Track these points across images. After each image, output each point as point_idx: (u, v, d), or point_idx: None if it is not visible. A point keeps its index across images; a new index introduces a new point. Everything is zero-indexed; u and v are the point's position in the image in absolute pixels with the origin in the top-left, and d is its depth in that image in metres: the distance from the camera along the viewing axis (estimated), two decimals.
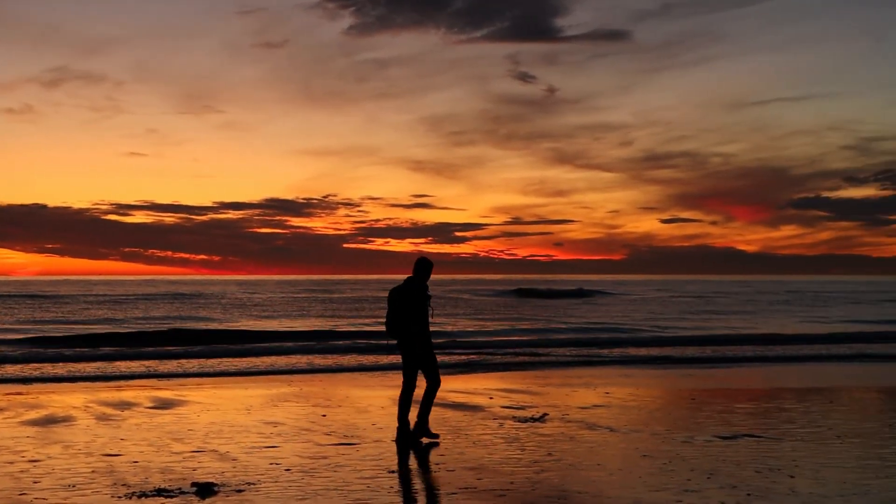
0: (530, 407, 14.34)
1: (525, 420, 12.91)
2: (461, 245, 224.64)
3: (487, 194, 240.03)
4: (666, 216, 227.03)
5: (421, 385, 11.15)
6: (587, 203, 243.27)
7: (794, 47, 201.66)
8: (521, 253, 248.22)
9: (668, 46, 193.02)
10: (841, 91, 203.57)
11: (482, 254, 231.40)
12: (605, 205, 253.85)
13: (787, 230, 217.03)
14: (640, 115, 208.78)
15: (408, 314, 11.03)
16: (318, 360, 24.72)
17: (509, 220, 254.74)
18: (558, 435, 11.65)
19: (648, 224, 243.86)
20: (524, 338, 34.01)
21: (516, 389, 16.83)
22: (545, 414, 13.46)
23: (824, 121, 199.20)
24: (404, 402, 11.20)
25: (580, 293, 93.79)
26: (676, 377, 19.99)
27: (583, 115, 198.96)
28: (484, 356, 26.19)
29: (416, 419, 11.23)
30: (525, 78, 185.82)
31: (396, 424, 11.26)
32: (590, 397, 15.66)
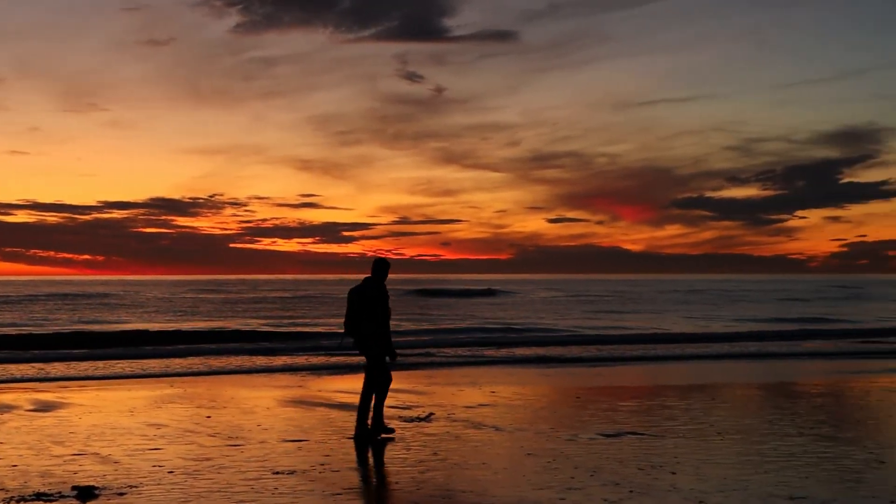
0: (416, 407, 14.26)
1: (411, 420, 12.83)
2: (349, 245, 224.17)
3: (375, 194, 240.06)
4: (552, 216, 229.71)
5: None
6: (475, 203, 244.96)
7: (679, 49, 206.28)
8: (409, 253, 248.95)
9: (555, 47, 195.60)
10: (725, 92, 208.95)
11: (370, 253, 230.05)
12: (492, 204, 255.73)
13: (672, 229, 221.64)
14: (527, 115, 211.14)
15: (366, 314, 11.15)
16: (205, 362, 24.24)
17: (397, 219, 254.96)
18: (444, 434, 11.60)
19: (535, 224, 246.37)
20: (421, 338, 33.81)
21: (403, 389, 16.73)
22: (431, 413, 13.40)
23: (708, 122, 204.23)
24: (365, 401, 11.34)
25: (489, 292, 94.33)
26: (563, 376, 20.11)
27: (470, 115, 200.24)
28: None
29: (372, 417, 11.36)
30: (413, 77, 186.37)
31: (355, 423, 11.40)
32: (476, 396, 15.66)
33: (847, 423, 12.60)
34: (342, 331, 11.54)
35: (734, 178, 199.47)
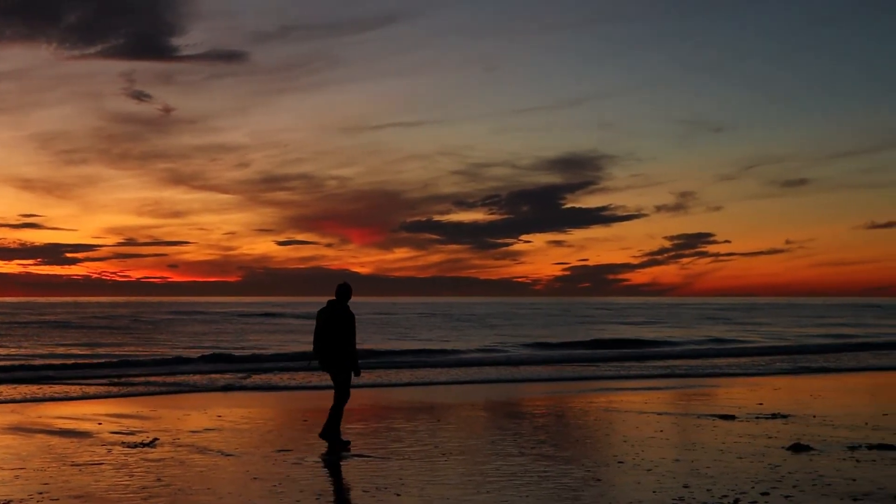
0: (140, 432, 13.91)
1: (134, 445, 12.50)
2: (72, 266, 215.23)
3: (100, 215, 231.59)
4: (282, 238, 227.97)
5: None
6: (203, 224, 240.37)
7: (410, 74, 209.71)
8: (135, 275, 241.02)
9: (286, 69, 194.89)
10: (453, 118, 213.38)
11: (94, 275, 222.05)
12: (221, 226, 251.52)
13: (401, 252, 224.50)
14: (257, 137, 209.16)
15: (333, 334, 12.15)
16: None
17: (123, 241, 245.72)
18: (168, 460, 11.36)
19: (264, 246, 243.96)
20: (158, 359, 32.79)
21: (127, 414, 16.27)
22: (155, 439, 13.10)
23: (436, 146, 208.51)
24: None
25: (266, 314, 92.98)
26: (291, 399, 20.01)
27: (199, 136, 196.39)
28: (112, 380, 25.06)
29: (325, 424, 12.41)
30: (140, 97, 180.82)
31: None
32: (202, 421, 15.40)
33: (566, 442, 13.16)
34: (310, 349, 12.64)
35: (461, 203, 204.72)
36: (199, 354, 35.25)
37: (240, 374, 27.01)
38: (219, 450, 12.22)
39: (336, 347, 12.19)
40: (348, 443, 12.48)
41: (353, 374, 12.43)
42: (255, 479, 10.12)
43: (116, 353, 37.92)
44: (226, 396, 20.70)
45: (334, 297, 12.51)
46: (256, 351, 38.09)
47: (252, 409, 17.54)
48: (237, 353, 36.37)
